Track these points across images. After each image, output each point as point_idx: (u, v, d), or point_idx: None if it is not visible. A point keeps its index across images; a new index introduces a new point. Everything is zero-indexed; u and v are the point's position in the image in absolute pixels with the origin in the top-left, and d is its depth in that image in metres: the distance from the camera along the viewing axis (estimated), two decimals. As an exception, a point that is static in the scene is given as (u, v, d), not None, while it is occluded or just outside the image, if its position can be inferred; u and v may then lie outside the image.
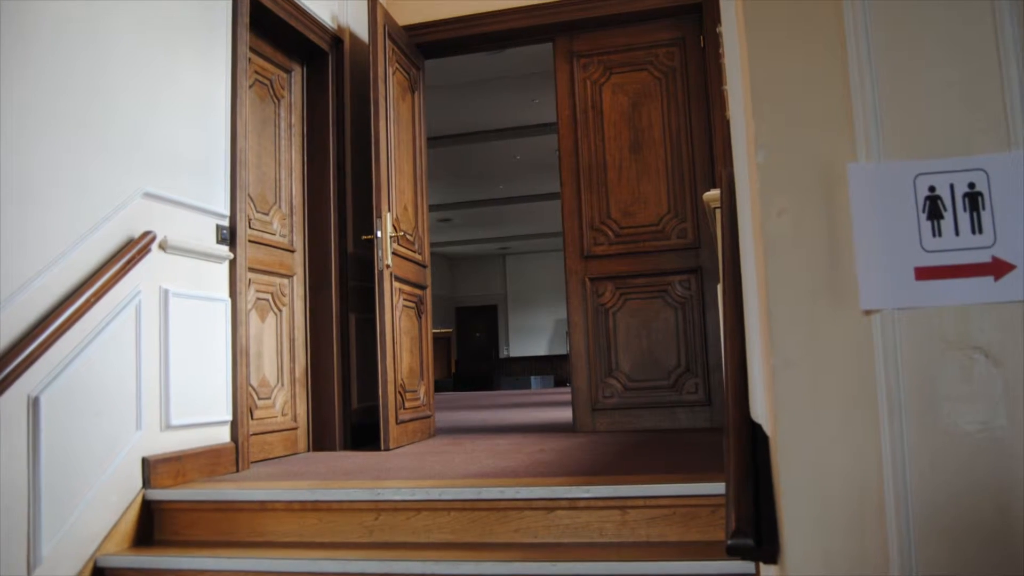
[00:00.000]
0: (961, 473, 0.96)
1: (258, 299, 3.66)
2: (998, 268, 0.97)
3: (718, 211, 2.62)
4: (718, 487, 2.24)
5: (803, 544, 0.99)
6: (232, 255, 3.21)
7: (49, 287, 2.37)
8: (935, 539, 0.95)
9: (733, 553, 1.05)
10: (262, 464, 3.41)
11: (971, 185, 0.99)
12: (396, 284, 3.99)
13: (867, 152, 1.02)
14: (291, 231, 4.00)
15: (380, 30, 4.02)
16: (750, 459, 1.20)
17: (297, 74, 4.17)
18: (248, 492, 2.60)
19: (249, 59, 3.61)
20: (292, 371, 3.89)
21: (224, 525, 2.60)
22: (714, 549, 2.15)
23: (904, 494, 0.96)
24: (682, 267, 4.30)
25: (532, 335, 18.95)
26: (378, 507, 2.47)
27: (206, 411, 3.01)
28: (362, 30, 4.51)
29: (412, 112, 4.48)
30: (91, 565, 2.41)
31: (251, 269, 3.54)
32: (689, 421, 4.20)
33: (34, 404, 2.27)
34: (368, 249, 4.28)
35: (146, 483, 2.66)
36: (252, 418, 3.47)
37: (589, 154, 4.47)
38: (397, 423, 3.85)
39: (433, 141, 9.45)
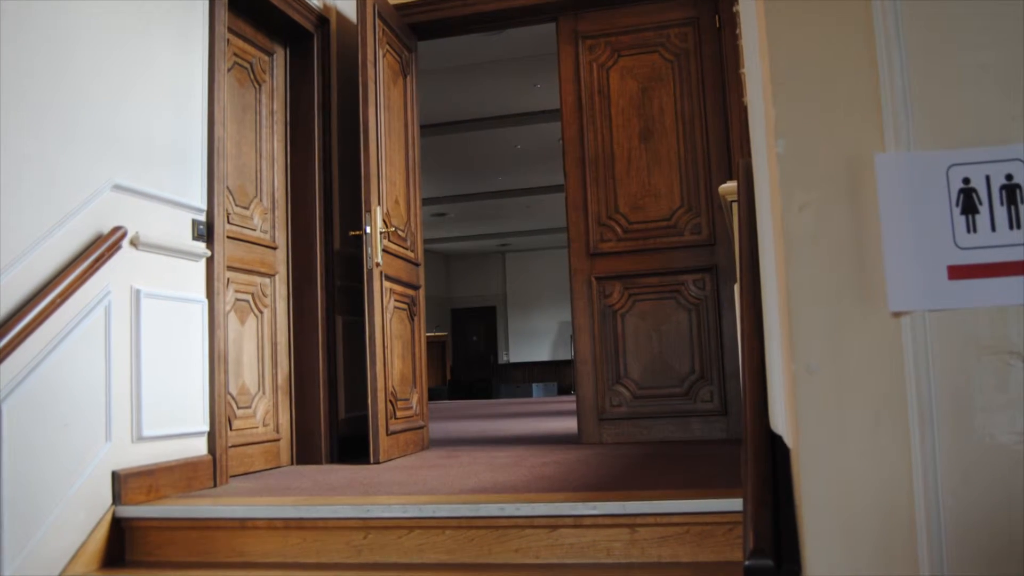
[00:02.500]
0: (997, 488, 0.95)
1: (237, 300, 3.67)
2: (1038, 266, 0.97)
3: (735, 205, 2.63)
4: (735, 503, 2.24)
5: (827, 565, 0.99)
6: (209, 252, 3.21)
7: (10, 287, 2.37)
8: (969, 559, 0.95)
9: (751, 575, 1.05)
10: (242, 478, 3.41)
11: (1008, 177, 0.99)
12: (387, 284, 3.99)
13: (896, 141, 1.02)
14: (273, 226, 4.00)
15: (369, 9, 4.02)
16: (769, 473, 1.20)
17: (280, 57, 4.17)
18: (226, 509, 2.60)
19: (228, 40, 3.61)
20: (274, 378, 3.90)
21: (201, 544, 2.60)
22: (730, 570, 2.15)
23: (936, 510, 0.96)
24: (696, 265, 4.30)
25: (534, 339, 18.95)
26: (367, 525, 2.47)
27: (181, 421, 3.01)
28: (350, 9, 4.51)
29: (404, 98, 4.48)
30: (57, 588, 2.41)
31: (230, 267, 3.54)
32: (704, 432, 4.20)
33: (-5, 414, 2.27)
34: (356, 246, 4.28)
35: (116, 499, 2.66)
36: (231, 429, 3.47)
37: (595, 143, 4.47)
38: (388, 434, 3.85)
39: (427, 129, 9.46)
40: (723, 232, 4.25)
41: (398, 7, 4.54)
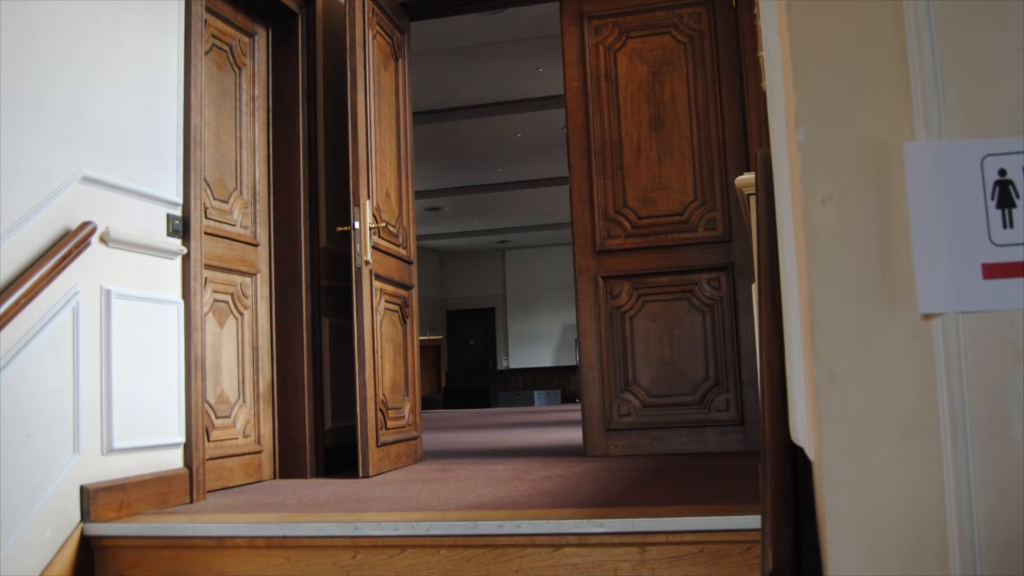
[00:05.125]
0: (1036, 504, 0.95)
1: (216, 301, 3.67)
2: (1080, 265, 0.97)
3: (753, 198, 2.63)
4: (753, 520, 2.24)
5: (852, 587, 0.98)
6: (185, 249, 3.21)
7: (-28, 287, 2.37)
8: (1006, 581, 0.95)
9: (770, 598, 1.05)
10: (220, 493, 3.41)
11: (1048, 168, 0.99)
12: (377, 283, 3.99)
13: (927, 129, 1.02)
14: (254, 222, 4.00)
15: (358, -13, 4.03)
16: (790, 488, 1.20)
17: (261, 38, 4.17)
18: (204, 526, 2.60)
19: (205, 20, 3.61)
20: (255, 385, 3.89)
21: (176, 564, 2.59)
22: (748, 593, 2.15)
23: (970, 527, 0.96)
24: (711, 264, 4.30)
25: (535, 343, 18.96)
26: (356, 543, 2.47)
27: (155, 432, 3.01)
28: (337, -13, 4.51)
29: (395, 83, 4.48)
30: (21, 612, 2.41)
31: (207, 266, 3.54)
32: (719, 443, 4.20)
33: (-46, 424, 2.27)
34: (344, 243, 4.28)
35: (85, 516, 2.66)
36: (209, 440, 3.47)
37: (602, 132, 4.46)
38: (378, 446, 3.85)
39: (420, 117, 9.46)
40: (740, 228, 4.25)
41: (389, -15, 4.54)
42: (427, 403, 16.17)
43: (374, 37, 4.18)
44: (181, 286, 3.20)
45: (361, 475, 3.73)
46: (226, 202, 3.80)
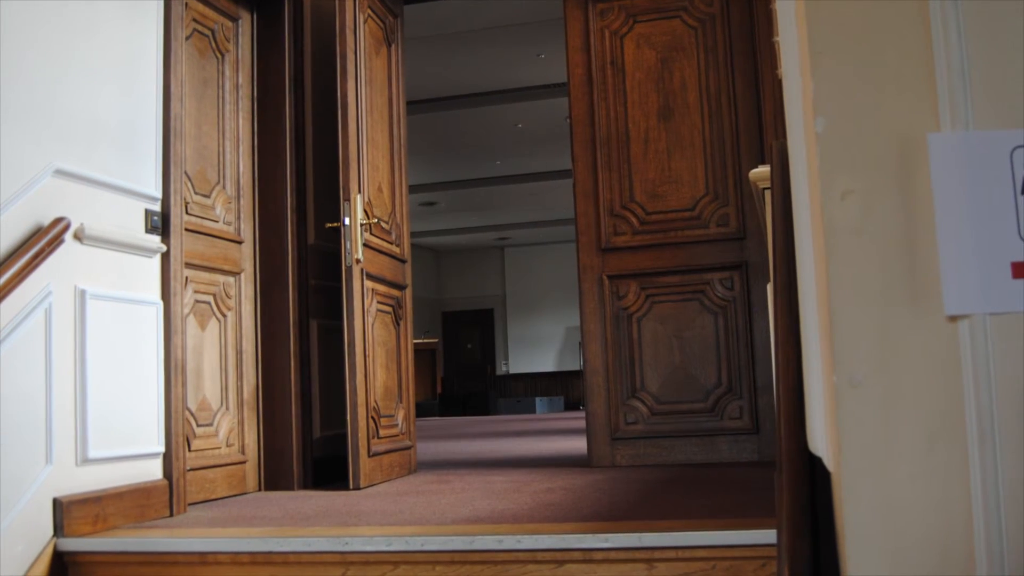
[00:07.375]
0: (1069, 517, 0.95)
1: (197, 302, 3.67)
2: (1115, 263, 0.97)
3: (768, 193, 2.63)
4: (768, 535, 2.24)
5: (873, 605, 0.99)
6: (164, 247, 3.21)
7: (-62, 287, 2.37)
8: (1037, 599, 0.95)
9: (786, 617, 1.05)
10: (202, 506, 3.41)
11: (1082, 160, 0.99)
12: (368, 283, 3.99)
13: (952, 119, 1.02)
14: (238, 218, 4.00)
15: (348, -32, 4.03)
16: (807, 501, 1.20)
17: (245, 23, 4.17)
18: (185, 541, 2.60)
19: (186, 4, 3.61)
20: (239, 391, 3.90)
21: (155, 582, 2.60)
22: (763, 612, 2.15)
23: (998, 543, 0.96)
24: (723, 262, 4.30)
25: (537, 347, 18.97)
26: (346, 559, 2.48)
27: (132, 441, 3.01)
28: (326, -32, 4.52)
29: (388, 70, 4.48)
30: (-10, 632, 2.42)
31: (188, 265, 3.54)
32: (732, 453, 4.20)
33: (-81, 432, 2.27)
34: (333, 240, 4.29)
35: (58, 530, 2.66)
36: (190, 449, 3.47)
37: (608, 122, 4.47)
38: (369, 456, 3.85)
39: (415, 106, 9.46)
40: (754, 224, 4.25)
41: (381, -34, 4.54)
42: (422, 410, 16.17)
43: (365, 21, 4.19)
44: (160, 286, 3.20)
45: (351, 487, 3.73)
46: (208, 197, 3.80)
